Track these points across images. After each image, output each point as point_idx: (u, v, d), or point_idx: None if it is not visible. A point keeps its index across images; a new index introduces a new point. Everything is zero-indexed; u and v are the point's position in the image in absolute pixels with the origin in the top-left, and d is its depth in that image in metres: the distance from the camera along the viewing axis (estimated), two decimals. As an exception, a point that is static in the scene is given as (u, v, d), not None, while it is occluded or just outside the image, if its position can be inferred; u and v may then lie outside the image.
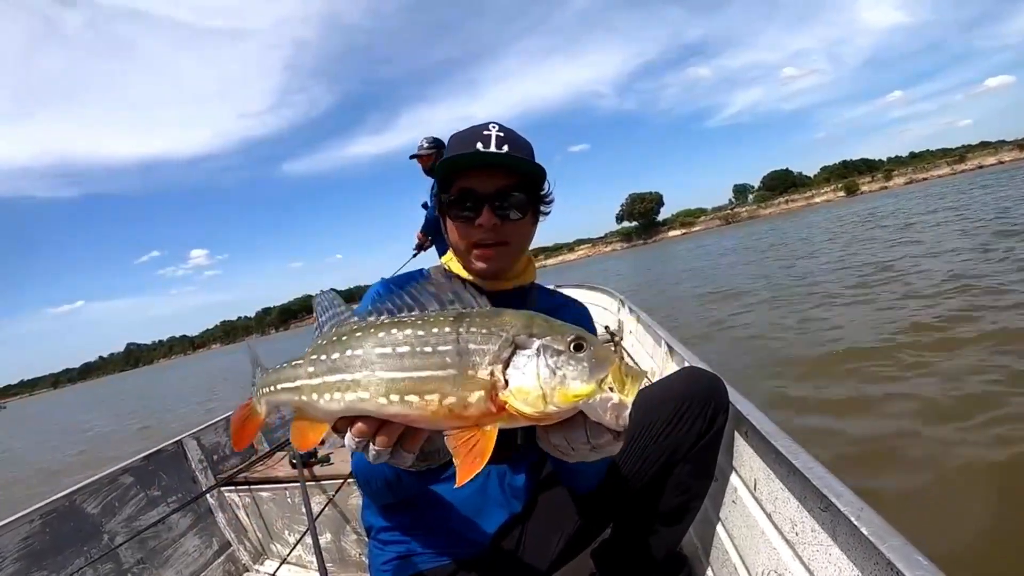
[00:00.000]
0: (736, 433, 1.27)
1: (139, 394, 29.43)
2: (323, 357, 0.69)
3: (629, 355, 3.10)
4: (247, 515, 2.39)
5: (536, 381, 0.62)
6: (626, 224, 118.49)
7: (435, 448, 0.80)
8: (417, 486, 1.09)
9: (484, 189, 1.03)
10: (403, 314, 0.68)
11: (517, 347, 0.63)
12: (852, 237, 16.30)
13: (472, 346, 0.63)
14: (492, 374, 0.62)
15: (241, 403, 0.88)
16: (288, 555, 2.10)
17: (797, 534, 0.97)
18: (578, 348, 0.63)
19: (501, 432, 1.11)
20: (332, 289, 0.80)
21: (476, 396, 0.62)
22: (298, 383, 0.72)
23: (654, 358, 2.48)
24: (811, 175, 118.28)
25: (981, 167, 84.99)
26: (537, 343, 0.63)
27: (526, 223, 1.10)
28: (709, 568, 1.40)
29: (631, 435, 1.17)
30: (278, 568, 1.95)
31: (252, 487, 2.32)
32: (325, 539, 2.10)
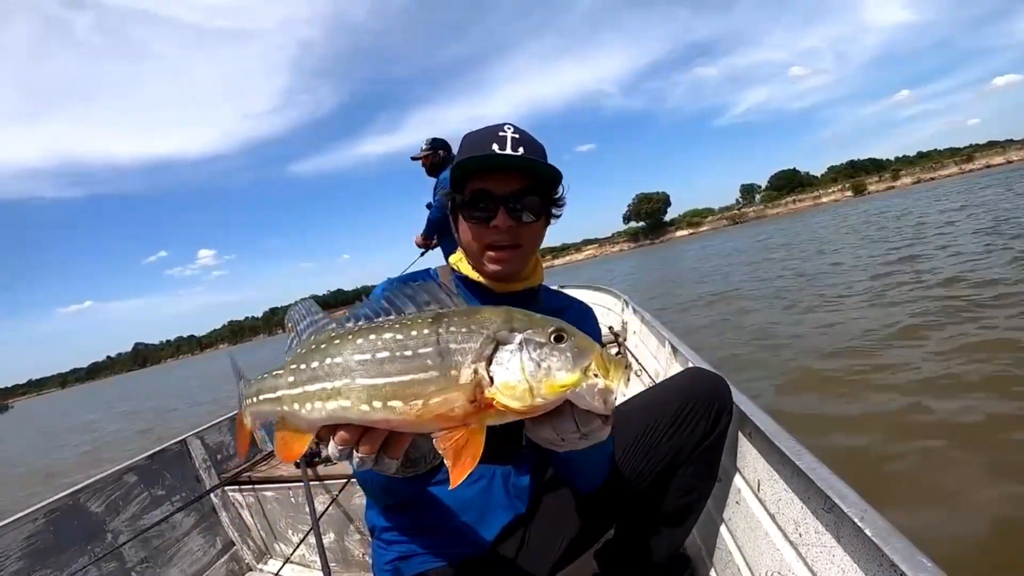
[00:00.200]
0: (740, 434, 1.26)
1: (145, 393, 29.58)
2: (303, 366, 0.68)
3: (633, 356, 3.10)
4: (251, 514, 2.39)
5: (522, 375, 0.62)
6: (633, 224, 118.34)
7: (421, 454, 0.80)
8: (410, 489, 1.09)
9: (499, 191, 1.03)
10: (380, 319, 0.68)
11: (499, 343, 0.63)
12: (865, 237, 16.16)
13: (453, 346, 0.63)
14: (476, 372, 0.62)
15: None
16: (291, 554, 2.10)
17: (801, 535, 0.96)
18: (559, 339, 0.64)
19: (506, 433, 1.10)
20: (311, 297, 0.79)
21: (461, 395, 0.62)
22: (279, 393, 0.70)
23: (658, 359, 2.48)
24: (818, 175, 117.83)
25: (989, 167, 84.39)
26: (519, 337, 0.64)
27: (539, 226, 1.11)
28: (712, 569, 1.39)
29: (635, 435, 1.16)
30: (281, 567, 1.95)
31: (256, 486, 2.33)
32: (328, 539, 2.10)
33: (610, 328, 3.51)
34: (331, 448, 0.67)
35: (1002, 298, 5.65)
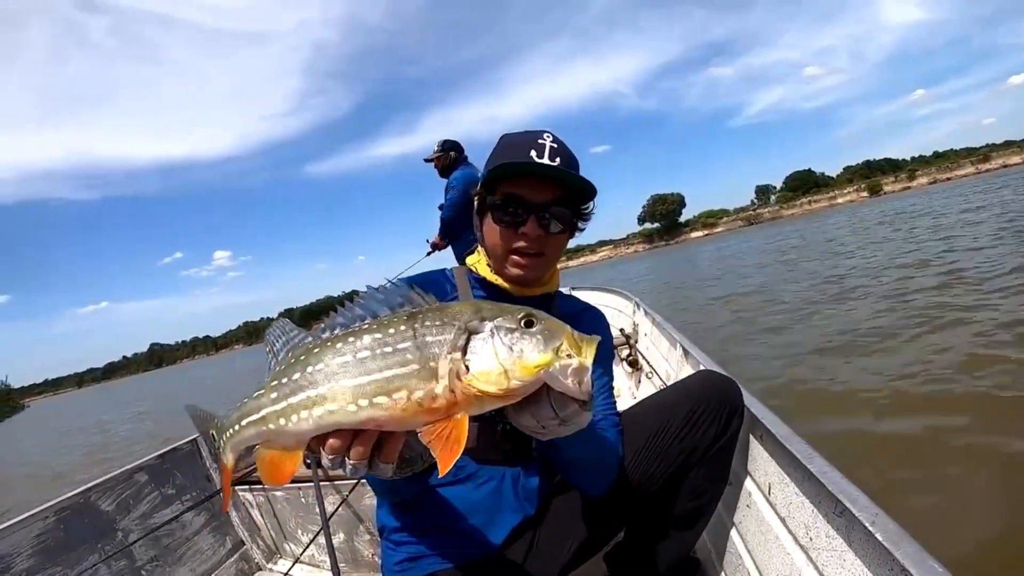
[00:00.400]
0: (751, 437, 1.24)
1: (161, 394, 29.89)
2: (284, 380, 0.69)
3: (644, 358, 3.08)
4: (261, 514, 2.41)
5: (495, 360, 0.64)
6: (648, 225, 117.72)
7: (416, 453, 0.80)
8: (412, 488, 1.10)
9: (533, 199, 1.04)
10: (356, 324, 0.69)
11: (471, 333, 0.66)
12: (884, 238, 15.96)
13: (429, 339, 0.65)
14: (452, 361, 0.64)
15: None
16: (301, 554, 2.11)
17: (811, 539, 0.95)
18: (529, 324, 0.66)
19: (515, 435, 1.10)
20: (283, 316, 0.80)
21: (441, 386, 0.64)
22: (263, 412, 0.70)
23: (669, 361, 2.46)
24: (834, 175, 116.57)
25: (1006, 166, 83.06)
26: (489, 325, 0.66)
27: (565, 237, 1.12)
28: (722, 573, 1.38)
29: (646, 437, 1.16)
30: (291, 567, 1.96)
31: (266, 486, 2.34)
32: (338, 539, 2.11)
33: (621, 330, 3.49)
34: (323, 459, 0.68)
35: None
